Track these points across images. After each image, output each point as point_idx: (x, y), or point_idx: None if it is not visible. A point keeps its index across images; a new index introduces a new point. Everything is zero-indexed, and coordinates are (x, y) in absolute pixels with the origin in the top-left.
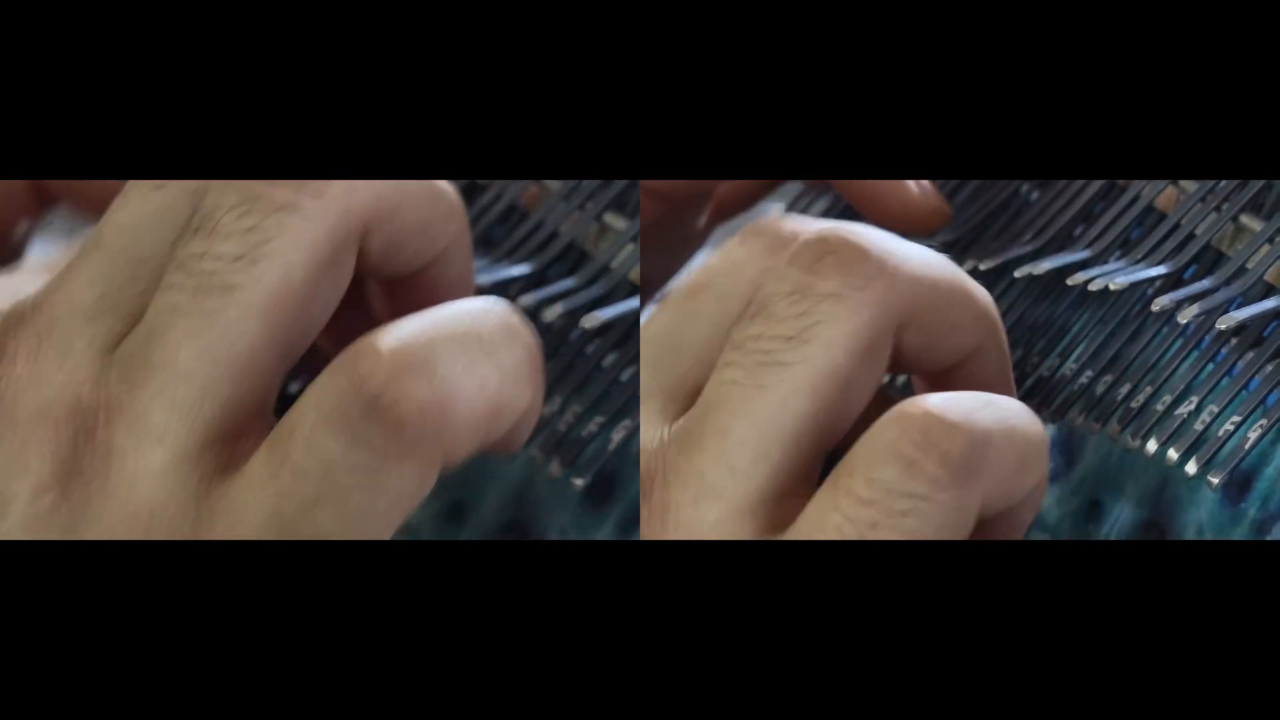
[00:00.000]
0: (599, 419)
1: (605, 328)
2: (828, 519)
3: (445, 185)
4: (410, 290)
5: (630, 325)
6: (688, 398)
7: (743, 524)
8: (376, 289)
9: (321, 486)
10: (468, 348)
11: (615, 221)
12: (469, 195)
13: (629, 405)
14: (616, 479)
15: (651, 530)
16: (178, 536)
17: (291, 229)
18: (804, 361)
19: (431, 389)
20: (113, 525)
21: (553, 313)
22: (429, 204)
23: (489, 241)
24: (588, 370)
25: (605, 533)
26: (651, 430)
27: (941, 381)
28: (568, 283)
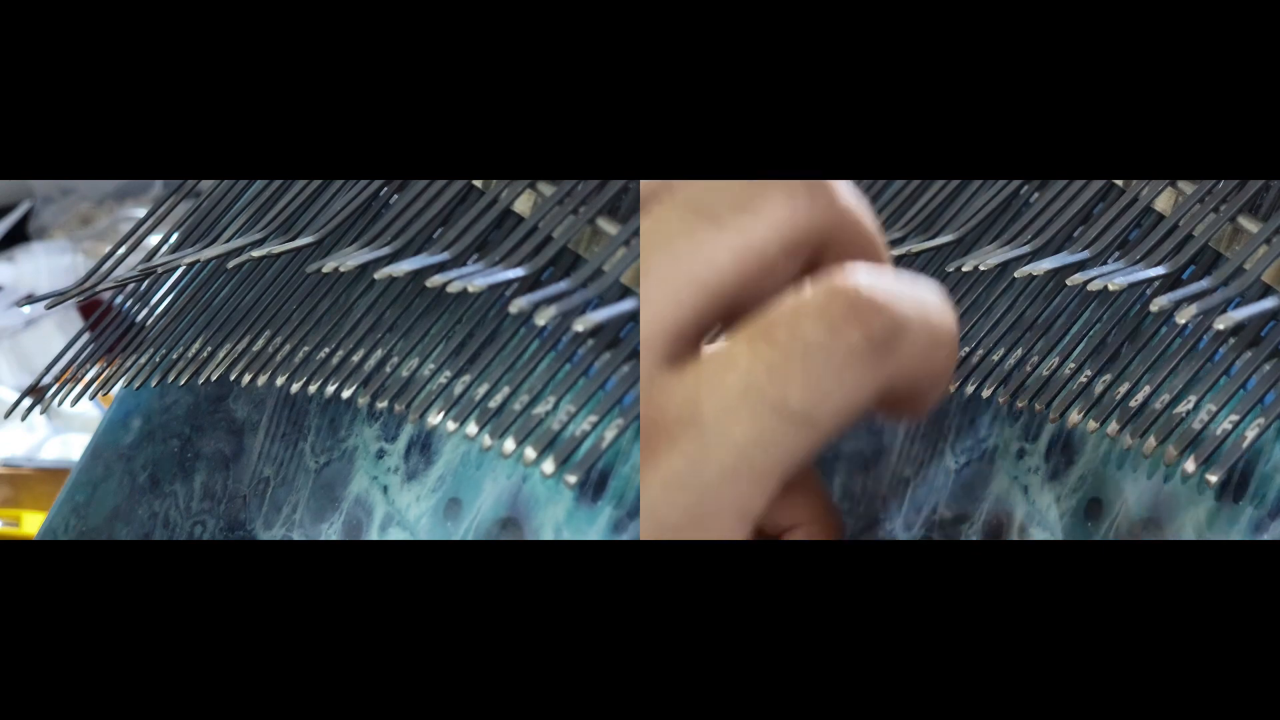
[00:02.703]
0: (591, 418)
1: (598, 329)
2: (740, 358)
3: (879, 241)
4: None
5: (622, 327)
6: None
7: (645, 352)
8: None
9: (797, 364)
10: (919, 302)
11: (608, 226)
12: (466, 199)
13: (621, 404)
14: (609, 477)
15: None
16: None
17: (784, 203)
18: (742, 228)
19: (896, 314)
20: None
21: (546, 315)
22: (870, 250)
23: (484, 245)
24: (581, 371)
25: (598, 530)
26: None
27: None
28: (561, 285)
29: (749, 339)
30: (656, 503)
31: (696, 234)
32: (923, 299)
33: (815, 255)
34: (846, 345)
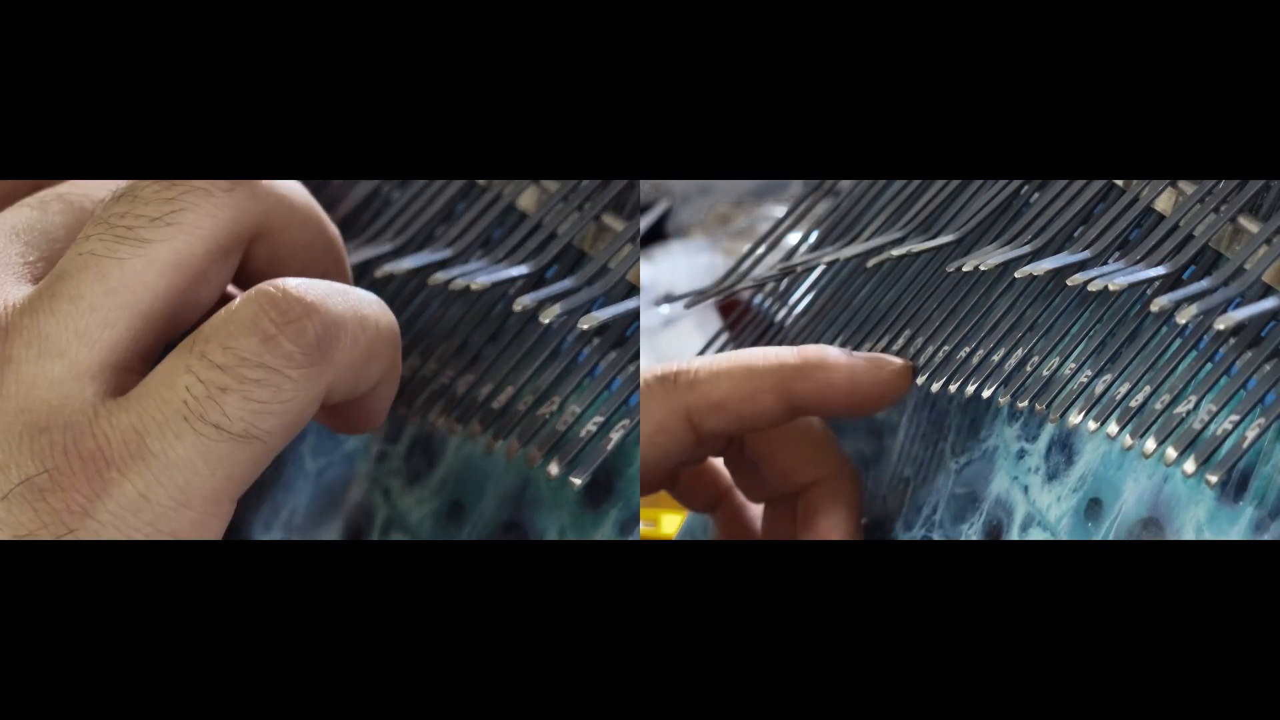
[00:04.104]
0: (597, 419)
1: (603, 328)
2: (178, 379)
3: (322, 217)
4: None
5: (628, 325)
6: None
7: (84, 385)
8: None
9: (232, 377)
10: (352, 303)
11: (613, 222)
12: (469, 196)
13: (627, 405)
14: (614, 478)
15: None
16: (76, 433)
17: (202, 208)
18: (165, 242)
19: (330, 317)
20: (6, 421)
21: (551, 313)
22: (314, 231)
23: (488, 242)
24: (586, 370)
25: (604, 532)
26: (6, 293)
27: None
28: (566, 283)
29: (185, 359)
30: (112, 536)
31: (121, 256)
32: (358, 298)
33: (256, 251)
34: (282, 354)
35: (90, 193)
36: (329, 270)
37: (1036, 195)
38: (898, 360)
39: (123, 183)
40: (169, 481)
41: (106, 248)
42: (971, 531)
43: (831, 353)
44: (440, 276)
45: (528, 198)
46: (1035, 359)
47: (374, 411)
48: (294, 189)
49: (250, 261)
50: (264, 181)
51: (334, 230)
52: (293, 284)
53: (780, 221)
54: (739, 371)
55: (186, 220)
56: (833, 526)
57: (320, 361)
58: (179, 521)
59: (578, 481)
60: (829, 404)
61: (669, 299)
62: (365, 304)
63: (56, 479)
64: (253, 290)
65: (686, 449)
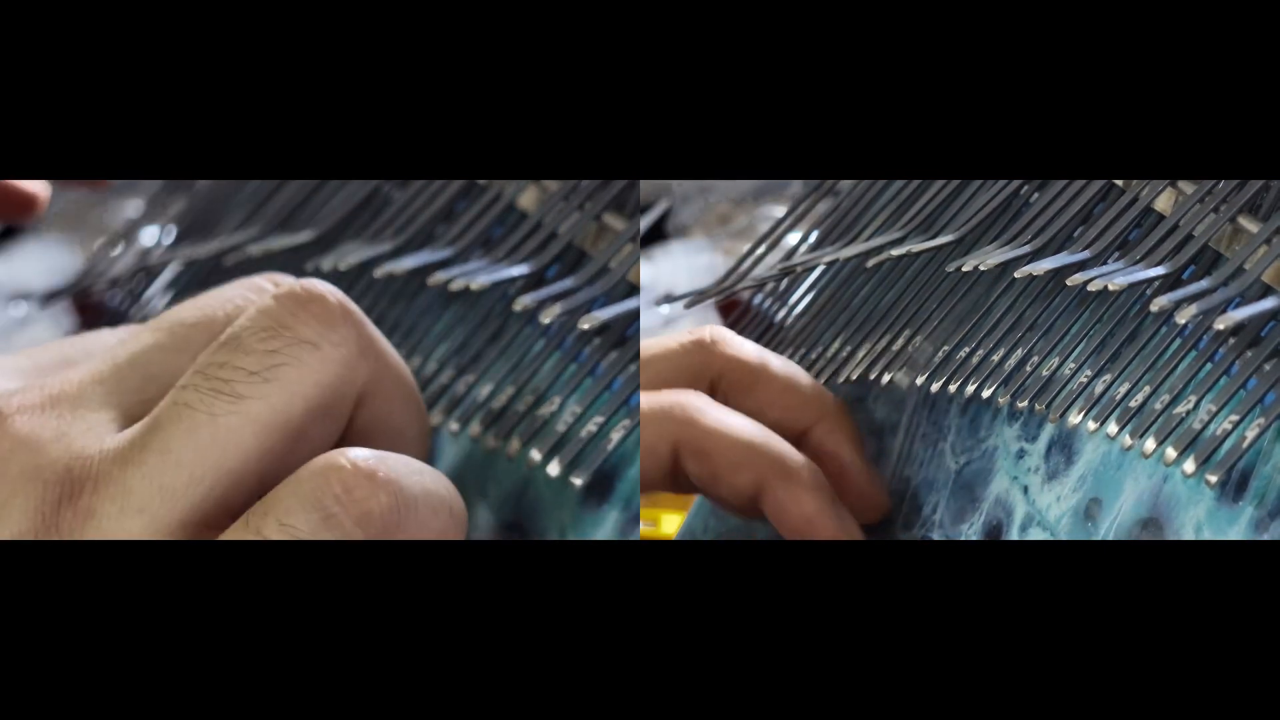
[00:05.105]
0: (598, 419)
1: (603, 328)
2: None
3: (413, 382)
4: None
5: (629, 325)
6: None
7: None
8: None
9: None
10: (427, 484)
11: (614, 222)
12: (469, 195)
13: (628, 404)
14: (616, 478)
15: (72, 534)
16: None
17: (307, 363)
18: (262, 399)
19: (402, 498)
20: None
21: (551, 313)
22: (407, 395)
23: (488, 242)
24: (587, 370)
25: (605, 532)
26: (93, 440)
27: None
28: (566, 283)
29: (243, 533)
30: None
31: (215, 412)
32: (434, 479)
33: (358, 414)
34: (343, 535)
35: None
36: (415, 441)
37: (1036, 195)
38: (878, 511)
39: (229, 327)
40: None
41: (201, 400)
42: (971, 531)
43: (814, 490)
44: (440, 276)
45: (528, 198)
46: (1035, 359)
47: None
48: (392, 349)
49: (353, 423)
50: (374, 339)
51: (419, 397)
52: (362, 456)
53: (780, 221)
54: (737, 442)
55: (288, 377)
56: (845, 464)
57: (387, 537)
58: None
59: (578, 481)
60: (781, 523)
61: (669, 299)
62: (438, 483)
63: None
64: (318, 460)
65: (664, 478)
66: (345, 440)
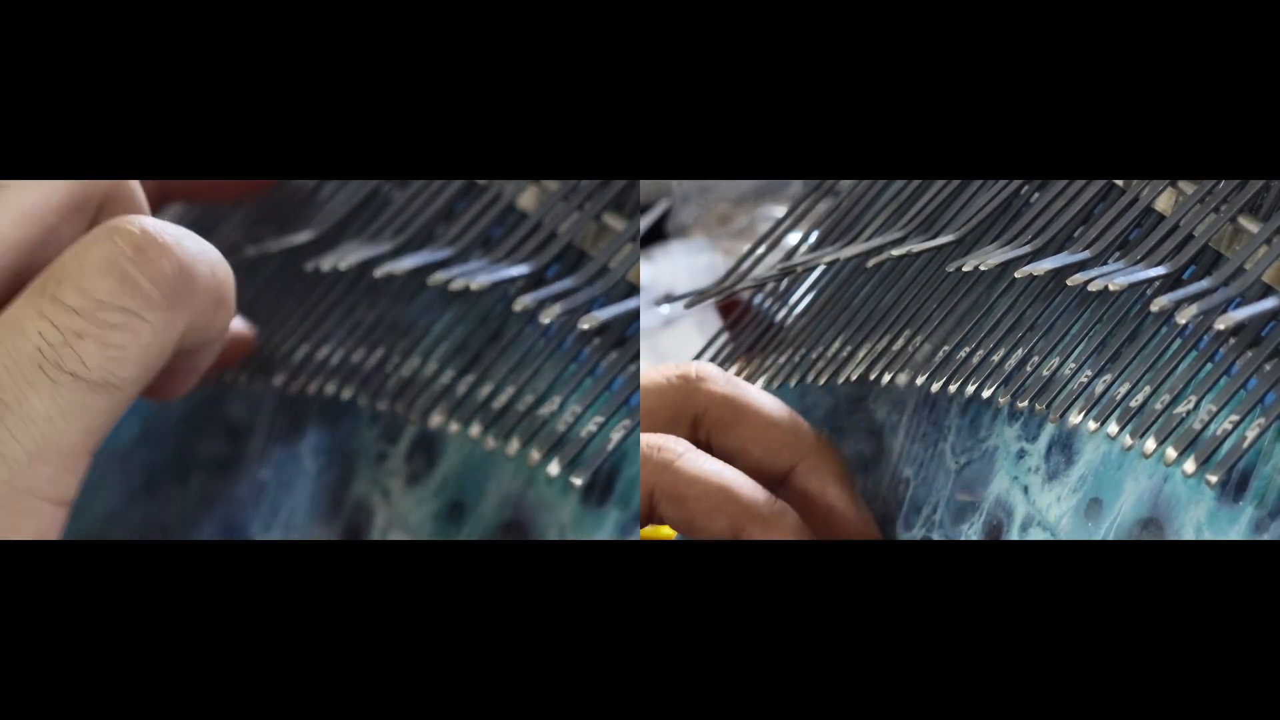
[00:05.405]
0: (598, 418)
1: (604, 327)
2: (30, 325)
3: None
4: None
5: (629, 325)
6: None
7: None
8: None
9: (88, 322)
10: (202, 246)
11: (614, 222)
12: (469, 195)
13: (628, 405)
14: (616, 478)
15: None
16: None
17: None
18: (16, 189)
19: (187, 258)
20: None
21: (551, 313)
22: (143, 200)
23: (488, 242)
24: (587, 370)
25: (605, 532)
26: None
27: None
28: (566, 283)
29: (36, 302)
30: None
31: None
32: (204, 243)
33: (101, 216)
34: (141, 295)
35: None
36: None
37: (1036, 195)
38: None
39: None
40: (24, 435)
41: None
42: (971, 531)
43: (791, 536)
44: (440, 276)
45: (528, 198)
46: (1035, 359)
47: (195, 371)
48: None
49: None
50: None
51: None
52: (149, 222)
53: (780, 221)
54: (710, 487)
55: (24, 186)
56: (831, 502)
57: (179, 304)
58: (34, 478)
59: (578, 482)
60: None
61: (669, 299)
62: (210, 249)
63: None
64: (106, 225)
65: (643, 520)
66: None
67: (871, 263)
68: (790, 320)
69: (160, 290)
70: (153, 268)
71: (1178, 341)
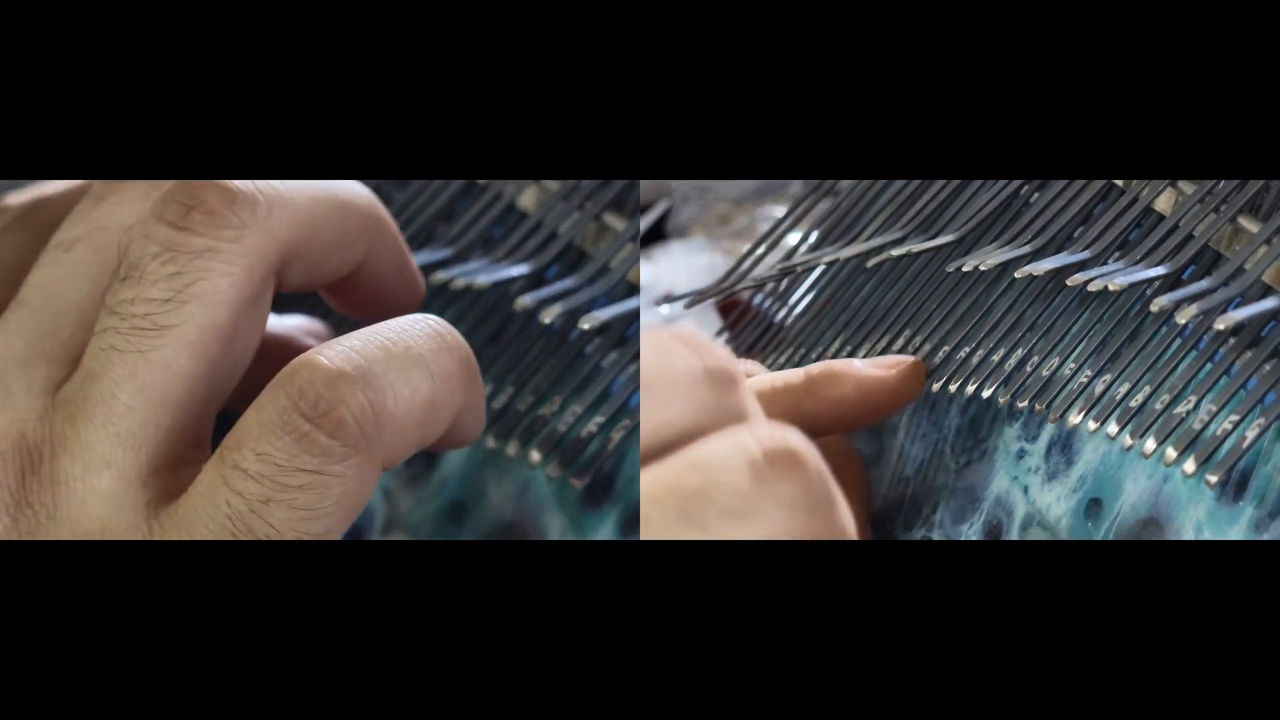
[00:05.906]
0: (598, 419)
1: (604, 327)
2: (218, 495)
3: (357, 191)
4: (348, 292)
5: (629, 325)
6: (72, 363)
7: (136, 494)
8: (322, 293)
9: (271, 487)
10: (397, 357)
11: (614, 221)
12: (469, 195)
13: (628, 405)
14: (616, 479)
15: (43, 504)
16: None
17: (214, 272)
18: (185, 322)
19: (367, 394)
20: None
21: (552, 313)
22: (342, 217)
23: (488, 241)
24: (587, 370)
25: (605, 533)
26: (35, 399)
27: (342, 289)
28: (567, 283)
29: (220, 470)
30: None
31: (144, 349)
32: (405, 343)
33: (290, 275)
34: (320, 451)
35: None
36: (376, 242)
37: (1036, 195)
38: (906, 359)
39: (93, 262)
40: None
41: (127, 341)
42: (971, 531)
43: (837, 365)
44: (440, 276)
45: (528, 197)
46: (1035, 359)
47: (468, 433)
48: (298, 191)
49: (288, 280)
50: (275, 203)
51: (365, 203)
52: (322, 360)
53: (780, 221)
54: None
55: (200, 291)
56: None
57: (366, 449)
58: None
59: (578, 482)
60: (844, 419)
61: (669, 299)
62: (414, 359)
63: None
64: (278, 378)
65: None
66: (339, 296)
67: (871, 263)
68: (790, 320)
69: (343, 441)
70: (329, 420)
71: (1177, 341)
